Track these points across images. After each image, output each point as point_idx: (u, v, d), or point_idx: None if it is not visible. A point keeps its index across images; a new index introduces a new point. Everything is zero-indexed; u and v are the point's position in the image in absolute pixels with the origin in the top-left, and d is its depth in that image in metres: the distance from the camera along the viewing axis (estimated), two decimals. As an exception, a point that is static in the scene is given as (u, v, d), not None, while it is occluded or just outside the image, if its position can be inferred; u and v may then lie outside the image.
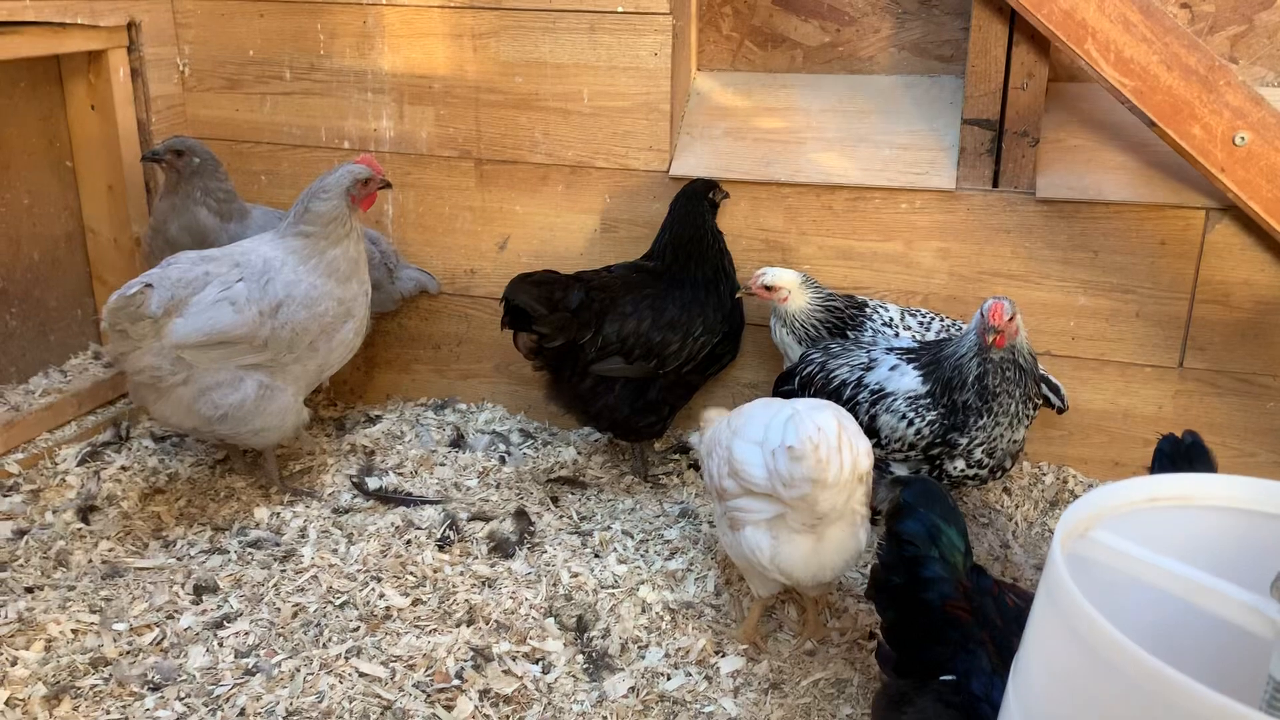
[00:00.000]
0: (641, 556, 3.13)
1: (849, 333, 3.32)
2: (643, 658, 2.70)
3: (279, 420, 3.23)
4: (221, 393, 3.09)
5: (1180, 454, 2.57)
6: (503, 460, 3.69)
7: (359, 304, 3.34)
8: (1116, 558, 1.46)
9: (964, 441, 2.88)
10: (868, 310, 3.36)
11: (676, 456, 3.76)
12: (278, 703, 2.49)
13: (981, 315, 2.76)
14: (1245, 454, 3.37)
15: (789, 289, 3.33)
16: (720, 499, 2.68)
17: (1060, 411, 3.34)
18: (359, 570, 3.02)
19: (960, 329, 3.29)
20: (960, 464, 2.93)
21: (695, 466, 3.65)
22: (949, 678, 2.02)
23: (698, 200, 3.46)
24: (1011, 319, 2.75)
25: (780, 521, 2.52)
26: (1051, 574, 1.38)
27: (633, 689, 2.59)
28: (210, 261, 3.12)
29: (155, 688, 2.55)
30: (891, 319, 3.34)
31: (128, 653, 2.68)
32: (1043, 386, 3.23)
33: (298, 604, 2.87)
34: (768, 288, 3.34)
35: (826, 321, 3.32)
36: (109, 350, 3.05)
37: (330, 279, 3.23)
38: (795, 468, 2.40)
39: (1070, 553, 1.47)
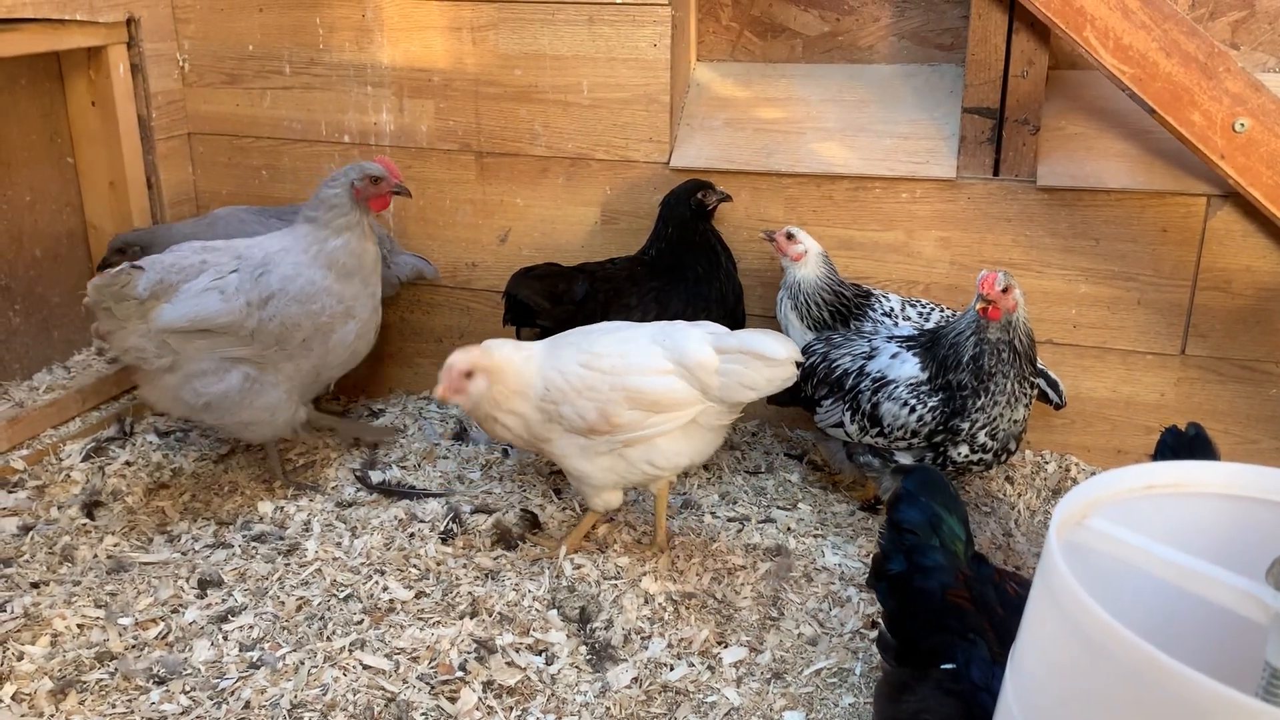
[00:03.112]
0: (644, 548, 3.13)
1: (851, 321, 3.32)
2: (645, 648, 2.71)
3: (268, 416, 3.23)
4: (205, 381, 3.11)
5: (1183, 446, 2.57)
6: (505, 453, 3.70)
7: (361, 305, 3.30)
8: (1113, 545, 1.46)
9: (965, 426, 2.88)
10: (872, 300, 3.36)
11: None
12: (282, 696, 2.51)
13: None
14: (1248, 441, 3.37)
15: (809, 250, 3.33)
16: (608, 434, 2.85)
17: (1058, 408, 3.33)
18: (363, 563, 3.03)
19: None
20: (964, 449, 2.93)
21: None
22: (949, 666, 2.02)
23: (680, 206, 3.43)
24: (1006, 291, 2.77)
25: (691, 425, 2.89)
26: (1047, 561, 1.38)
27: (636, 679, 2.60)
28: (210, 251, 3.14)
29: (160, 681, 2.57)
30: (892, 309, 3.35)
31: (133, 647, 2.69)
32: (1041, 381, 3.23)
33: (302, 597, 2.88)
34: (789, 235, 3.34)
35: (832, 304, 3.32)
36: (96, 327, 3.08)
37: (330, 272, 3.21)
38: (776, 371, 2.80)
39: (1067, 540, 1.47)
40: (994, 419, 2.88)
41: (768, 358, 2.79)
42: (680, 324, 2.98)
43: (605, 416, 2.84)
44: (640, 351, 2.88)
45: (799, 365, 2.84)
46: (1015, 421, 2.93)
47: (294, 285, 3.14)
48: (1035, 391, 3.00)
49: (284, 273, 3.15)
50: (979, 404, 2.86)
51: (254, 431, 3.29)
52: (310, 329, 3.18)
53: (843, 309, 3.33)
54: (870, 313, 3.34)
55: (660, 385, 2.83)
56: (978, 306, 2.81)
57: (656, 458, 2.90)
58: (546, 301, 3.29)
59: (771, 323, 3.55)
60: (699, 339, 2.85)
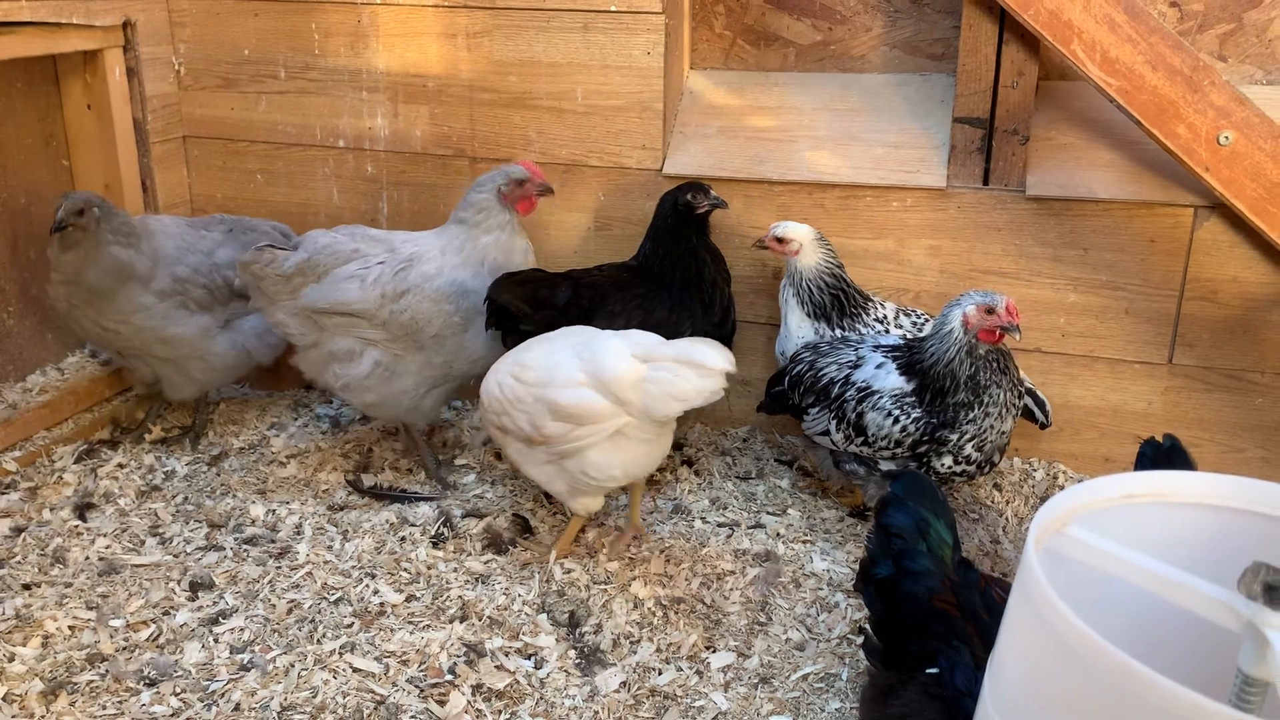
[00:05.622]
0: (634, 552, 3.15)
1: (845, 320, 3.32)
2: (634, 653, 2.73)
3: (393, 400, 3.41)
4: (343, 366, 3.36)
5: (1161, 456, 2.60)
6: (497, 457, 3.71)
7: None
8: (1092, 553, 1.48)
9: (954, 438, 2.90)
10: (870, 305, 3.38)
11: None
12: (272, 698, 2.52)
13: (971, 314, 2.80)
14: (1234, 449, 3.39)
15: (801, 241, 3.33)
16: (544, 444, 2.91)
17: (1043, 427, 3.35)
18: (353, 567, 3.04)
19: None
20: (948, 460, 2.95)
21: (689, 463, 3.67)
22: (935, 670, 2.04)
23: (667, 207, 3.43)
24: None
25: (619, 436, 2.86)
26: (1025, 569, 1.40)
27: (624, 684, 2.61)
28: (365, 240, 3.35)
29: (151, 683, 2.58)
30: (885, 316, 3.37)
31: (124, 649, 2.71)
32: (1028, 399, 3.25)
33: (293, 600, 2.90)
34: (779, 239, 3.34)
35: (833, 288, 3.32)
36: (251, 305, 3.42)
37: (482, 268, 3.37)
38: (707, 382, 2.76)
39: (1045, 548, 1.49)
40: (983, 430, 2.90)
41: (702, 366, 2.75)
42: (605, 334, 2.96)
43: (535, 427, 2.88)
44: (559, 364, 2.89)
45: (729, 377, 2.79)
46: (1002, 434, 2.95)
47: (431, 284, 3.31)
48: (1022, 402, 3.03)
49: (425, 270, 3.32)
50: (971, 415, 2.88)
51: (379, 411, 3.50)
52: (440, 326, 3.33)
53: (842, 296, 3.34)
54: (864, 315, 3.35)
55: (575, 398, 2.82)
56: (1010, 337, 2.80)
57: (589, 468, 2.90)
58: (528, 306, 3.28)
59: (767, 329, 3.57)
60: (616, 351, 2.83)
